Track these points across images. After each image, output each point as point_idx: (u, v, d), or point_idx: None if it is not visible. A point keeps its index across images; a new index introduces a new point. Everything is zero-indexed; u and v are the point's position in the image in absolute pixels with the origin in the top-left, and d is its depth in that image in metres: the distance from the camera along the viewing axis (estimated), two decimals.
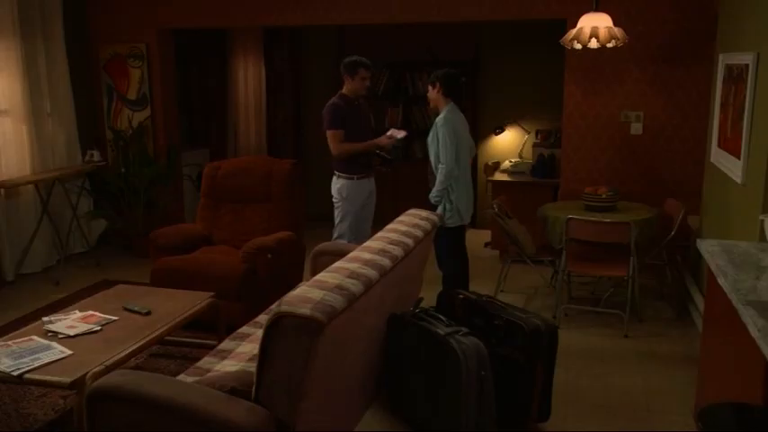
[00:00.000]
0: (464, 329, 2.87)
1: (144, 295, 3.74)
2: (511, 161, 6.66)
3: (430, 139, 4.39)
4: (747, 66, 3.60)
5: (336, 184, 4.75)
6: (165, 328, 3.33)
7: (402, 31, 6.91)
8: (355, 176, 4.70)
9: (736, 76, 3.91)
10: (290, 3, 5.83)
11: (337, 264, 2.62)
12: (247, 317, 3.69)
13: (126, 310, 3.48)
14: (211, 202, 4.99)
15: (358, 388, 2.89)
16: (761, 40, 3.45)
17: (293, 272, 4.66)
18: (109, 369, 2.81)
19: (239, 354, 3.10)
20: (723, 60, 4.33)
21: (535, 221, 4.93)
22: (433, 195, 4.36)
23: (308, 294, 2.23)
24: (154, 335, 3.24)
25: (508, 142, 7.07)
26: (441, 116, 4.35)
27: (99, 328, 3.25)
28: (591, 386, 3.72)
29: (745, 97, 3.63)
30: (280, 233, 4.57)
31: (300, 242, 4.81)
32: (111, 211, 6.30)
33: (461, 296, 3.36)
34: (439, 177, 4.31)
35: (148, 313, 3.44)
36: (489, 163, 6.86)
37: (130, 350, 3.06)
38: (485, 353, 2.80)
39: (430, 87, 4.43)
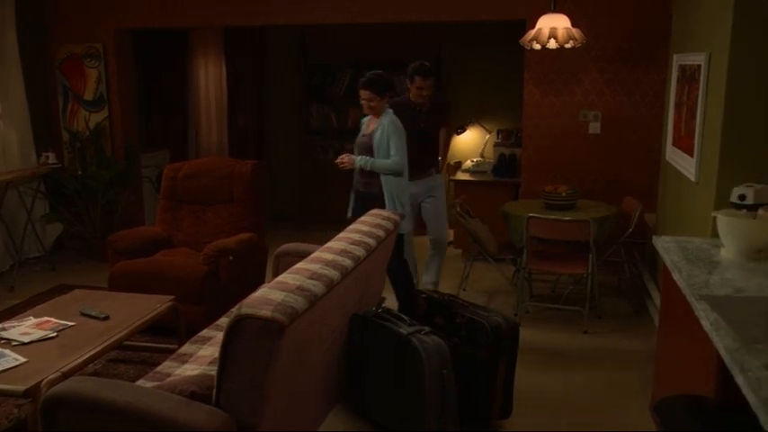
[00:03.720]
0: (426, 328, 2.88)
1: (102, 300, 3.67)
2: (473, 160, 6.71)
3: (378, 140, 4.19)
4: (700, 66, 3.69)
5: None
6: (124, 332, 3.27)
7: (365, 32, 6.91)
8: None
9: (689, 76, 4.00)
10: (249, 3, 5.78)
11: (299, 265, 2.61)
12: (209, 320, 3.65)
13: (83, 315, 3.41)
14: (171, 204, 4.92)
15: (321, 389, 2.88)
16: (712, 40, 3.54)
17: (255, 273, 4.62)
18: (65, 376, 2.75)
19: (200, 357, 3.06)
20: (677, 61, 4.43)
21: (497, 220, 4.98)
22: (365, 162, 4.20)
23: (269, 296, 2.22)
24: (112, 340, 3.18)
25: (470, 142, 7.12)
26: (388, 117, 4.19)
27: (54, 334, 3.17)
28: (552, 382, 3.77)
29: (697, 97, 3.72)
30: (241, 235, 4.53)
31: (263, 243, 4.77)
32: (67, 214, 6.17)
33: (424, 295, 3.38)
34: (386, 162, 4.16)
35: (106, 318, 3.38)
36: (451, 162, 6.91)
37: (88, 356, 3.00)
38: (447, 351, 2.82)
39: (371, 94, 4.15)
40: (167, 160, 7.03)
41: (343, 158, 4.30)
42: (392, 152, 4.16)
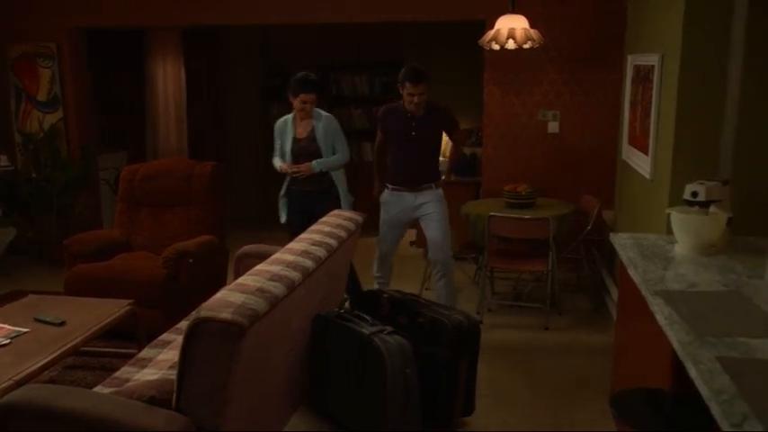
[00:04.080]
0: (388, 328, 2.89)
1: (57, 305, 3.59)
2: None
3: (322, 139, 4.30)
4: (653, 66, 3.77)
5: None
6: (81, 338, 3.20)
7: (326, 32, 6.89)
8: (390, 186, 4.46)
9: (643, 77, 4.09)
10: (208, 2, 5.72)
11: (259, 266, 2.59)
12: (168, 323, 3.60)
13: (38, 321, 3.33)
14: (129, 206, 4.84)
15: (284, 390, 2.87)
16: (665, 41, 3.62)
17: (216, 276, 4.57)
18: (19, 384, 2.68)
19: (160, 362, 3.02)
20: (631, 61, 4.52)
21: (459, 219, 5.01)
22: (322, 164, 4.30)
23: (228, 298, 2.20)
24: (68, 346, 3.11)
25: None
26: (323, 116, 4.34)
27: (8, 341, 3.09)
28: (514, 379, 3.81)
29: (651, 96, 3.80)
30: (202, 237, 4.47)
31: (223, 245, 4.73)
32: (21, 217, 6.01)
33: (386, 295, 3.39)
34: (339, 158, 4.37)
35: (62, 324, 3.30)
36: None
37: (42, 363, 2.92)
38: (409, 351, 2.83)
39: (316, 97, 4.28)
40: (125, 162, 6.91)
41: (301, 168, 4.28)
42: (339, 147, 4.34)
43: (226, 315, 2.08)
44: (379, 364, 2.75)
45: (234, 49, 7.61)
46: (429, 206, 4.38)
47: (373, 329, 2.85)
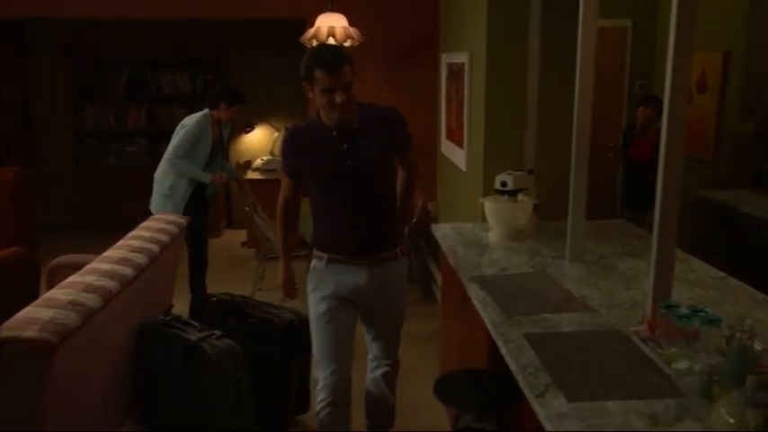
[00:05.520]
0: (217, 332, 2.83)
1: None
2: (263, 159, 6.68)
3: (226, 135, 4.65)
4: (464, 65, 4.00)
5: None
6: None
7: (141, 28, 6.56)
8: (324, 255, 2.74)
9: (456, 74, 4.32)
10: None
11: (71, 278, 2.44)
12: None
13: None
14: None
15: (108, 405, 2.70)
16: (473, 42, 3.86)
17: (27, 291, 4.18)
18: None
19: None
20: (445, 59, 4.77)
21: None
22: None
23: (34, 315, 2.05)
24: None
25: (258, 140, 7.08)
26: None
27: None
28: None
29: (464, 93, 4.03)
30: (7, 249, 4.08)
31: (34, 257, 4.34)
32: None
33: (214, 298, 3.31)
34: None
35: None
36: (241, 161, 6.82)
37: None
38: (239, 354, 2.79)
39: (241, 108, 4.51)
40: None
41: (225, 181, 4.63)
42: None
43: (31, 333, 1.93)
44: (209, 370, 2.68)
45: (39, 46, 7.01)
46: (395, 287, 2.71)
47: (201, 335, 2.78)
